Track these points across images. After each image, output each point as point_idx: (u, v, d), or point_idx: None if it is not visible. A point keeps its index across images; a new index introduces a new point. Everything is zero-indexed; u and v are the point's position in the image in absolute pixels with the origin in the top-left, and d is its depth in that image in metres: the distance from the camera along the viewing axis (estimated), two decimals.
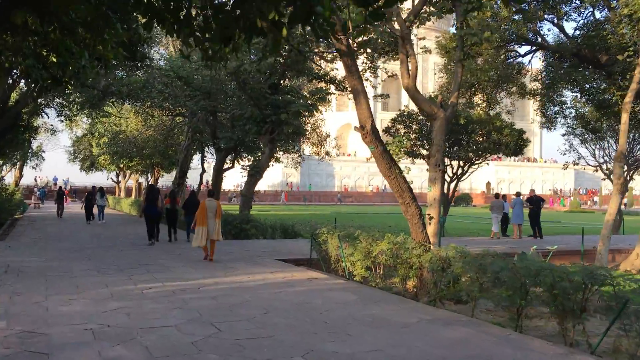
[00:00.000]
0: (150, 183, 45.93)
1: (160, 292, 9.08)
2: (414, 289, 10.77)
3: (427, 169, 25.66)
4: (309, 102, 21.47)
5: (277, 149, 24.95)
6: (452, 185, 25.06)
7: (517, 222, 21.65)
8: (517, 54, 18.04)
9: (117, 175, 59.55)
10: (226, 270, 11.80)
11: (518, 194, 23.09)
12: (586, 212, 61.48)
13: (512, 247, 17.60)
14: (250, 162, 22.47)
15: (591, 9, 18.84)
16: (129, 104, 30.94)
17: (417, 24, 12.25)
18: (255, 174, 21.21)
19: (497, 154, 25.13)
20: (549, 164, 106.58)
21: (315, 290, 9.67)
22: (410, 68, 11.76)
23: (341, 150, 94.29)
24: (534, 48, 17.32)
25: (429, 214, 11.42)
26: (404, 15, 12.17)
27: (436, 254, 9.54)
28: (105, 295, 8.72)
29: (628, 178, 27.58)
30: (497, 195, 23.13)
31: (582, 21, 19.57)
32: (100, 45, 5.85)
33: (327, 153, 34.13)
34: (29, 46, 5.63)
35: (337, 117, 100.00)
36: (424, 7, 12.00)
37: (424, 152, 26.81)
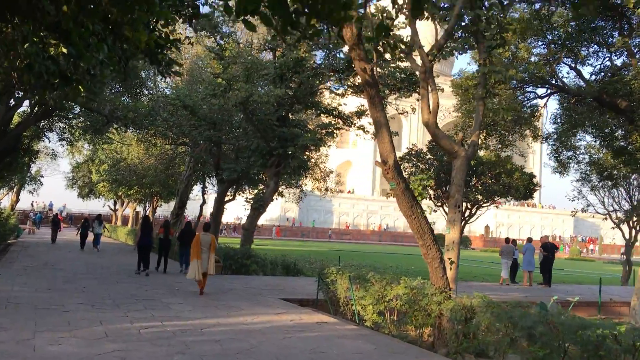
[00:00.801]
0: (146, 214, 45.17)
1: (159, 333, 8.32)
2: (430, 337, 10.04)
3: (433, 210, 24.98)
4: (317, 136, 20.94)
5: (281, 182, 24.37)
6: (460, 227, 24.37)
7: (528, 269, 20.88)
8: (535, 96, 17.60)
9: (115, 203, 58.78)
10: (229, 310, 11.04)
11: (529, 240, 22.38)
12: (587, 260, 60.67)
13: (525, 296, 16.85)
14: (253, 195, 21.82)
15: (608, 55, 18.56)
16: (132, 131, 30.50)
17: (439, 58, 11.77)
18: (258, 207, 20.56)
19: (505, 198, 24.51)
20: (548, 210, 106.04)
21: (327, 337, 8.92)
22: (431, 103, 11.24)
23: (340, 187, 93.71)
24: (551, 90, 16.89)
25: (449, 258, 10.74)
26: (426, 49, 11.71)
27: (459, 303, 8.84)
28: (100, 335, 7.96)
29: (638, 227, 26.98)
30: (507, 240, 22.43)
31: (598, 66, 19.31)
32: (129, 24, 5.04)
33: (328, 189, 33.52)
34: (31, 30, 4.82)
35: (337, 154, 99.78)
36: (447, 42, 11.56)
37: (431, 192, 26.28)
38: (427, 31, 33.03)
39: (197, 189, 38.95)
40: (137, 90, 27.03)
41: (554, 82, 16.21)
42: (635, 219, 26.57)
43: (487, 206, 24.24)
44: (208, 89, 20.81)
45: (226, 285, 15.21)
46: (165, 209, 71.77)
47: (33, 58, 4.69)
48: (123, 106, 19.74)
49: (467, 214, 24.55)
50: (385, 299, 10.42)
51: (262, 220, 79.77)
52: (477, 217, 24.36)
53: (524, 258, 21.00)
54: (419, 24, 12.62)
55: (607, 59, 18.85)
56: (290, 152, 19.64)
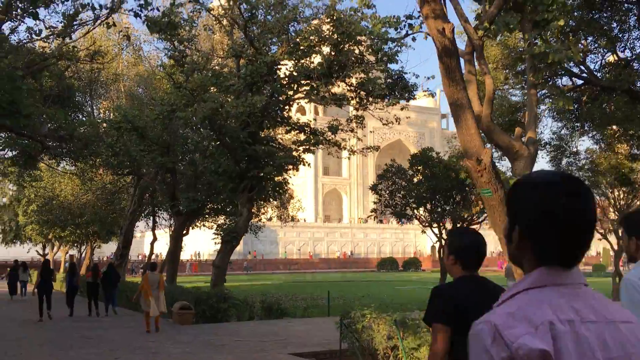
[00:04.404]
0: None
1: None
2: None
3: (422, 231, 22.47)
4: (295, 154, 18.28)
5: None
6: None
7: None
8: (561, 92, 15.64)
9: (44, 248, 53.39)
10: None
11: None
12: None
13: None
14: (225, 226, 18.75)
15: (610, 49, 17.02)
16: (67, 163, 26.80)
17: (488, 36, 9.44)
18: (231, 240, 17.51)
19: None
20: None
21: None
22: (487, 91, 8.83)
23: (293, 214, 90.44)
24: (577, 83, 14.98)
25: None
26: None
27: None
28: None
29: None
30: None
31: (600, 61, 17.81)
32: None
33: (293, 218, 30.79)
34: None
35: None
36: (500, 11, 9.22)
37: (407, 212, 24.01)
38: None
39: (141, 225, 35.29)
40: (72, 115, 23.58)
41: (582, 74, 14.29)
42: (621, 229, 25.20)
43: (478, 223, 22.24)
44: (164, 106, 17.72)
45: (212, 339, 12.13)
46: (103, 250, 66.51)
47: None
48: (68, 124, 16.17)
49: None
50: None
51: (187, 255, 76.07)
52: None
53: None
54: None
55: (610, 53, 17.37)
56: (267, 172, 16.84)
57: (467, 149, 6.74)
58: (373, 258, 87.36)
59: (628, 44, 17.22)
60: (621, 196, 24.59)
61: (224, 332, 13.34)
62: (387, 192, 22.64)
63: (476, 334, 1.25)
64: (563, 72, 14.07)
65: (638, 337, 1.28)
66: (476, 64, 9.72)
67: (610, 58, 18.00)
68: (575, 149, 18.87)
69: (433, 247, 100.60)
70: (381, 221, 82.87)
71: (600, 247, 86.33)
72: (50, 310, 16.41)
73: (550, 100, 15.20)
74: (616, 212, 25.24)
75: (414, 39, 10.25)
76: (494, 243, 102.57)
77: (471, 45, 8.97)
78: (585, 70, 16.37)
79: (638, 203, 26.18)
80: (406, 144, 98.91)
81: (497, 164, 18.33)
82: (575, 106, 17.74)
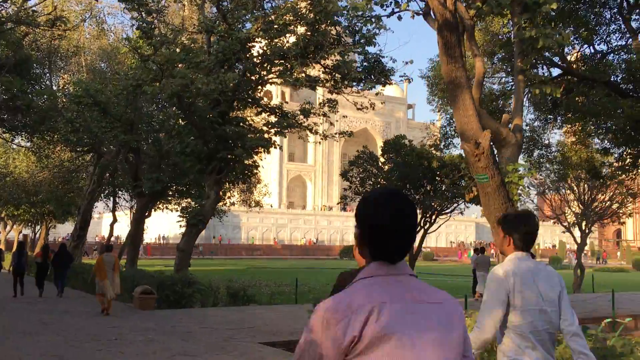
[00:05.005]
0: None
1: None
2: None
3: None
4: (266, 136, 17.69)
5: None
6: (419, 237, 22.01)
7: None
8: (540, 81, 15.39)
9: None
10: None
11: None
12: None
13: None
14: (190, 209, 18.01)
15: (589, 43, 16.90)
16: (23, 138, 25.58)
17: (478, 18, 9.04)
18: (197, 223, 16.83)
19: (465, 203, 22.31)
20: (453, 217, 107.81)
21: None
22: (477, 73, 8.44)
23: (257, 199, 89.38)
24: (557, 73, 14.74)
25: None
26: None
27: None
28: None
29: (587, 231, 25.92)
30: (481, 250, 20.02)
31: (576, 53, 17.75)
32: None
33: (258, 203, 30.17)
34: None
35: None
36: None
37: None
38: None
39: (100, 206, 34.16)
40: (30, 89, 22.45)
41: (562, 64, 14.05)
42: (584, 222, 25.48)
43: (446, 213, 22.01)
44: (129, 80, 16.88)
45: (176, 326, 11.54)
46: (58, 231, 64.51)
47: None
48: (24, 95, 15.12)
49: (422, 223, 22.13)
50: None
51: (151, 238, 74.93)
52: (438, 226, 22.01)
53: None
54: None
55: (587, 45, 17.26)
56: (238, 154, 16.21)
57: (464, 131, 6.31)
58: (336, 246, 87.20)
59: (605, 37, 17.16)
60: (586, 190, 24.78)
61: (188, 319, 12.75)
62: (358, 179, 22.21)
63: (313, 312, 1.59)
64: (543, 61, 13.78)
65: (442, 314, 1.63)
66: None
67: (586, 51, 17.94)
68: (547, 141, 18.84)
69: None
70: (345, 209, 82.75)
71: (556, 240, 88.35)
72: None
73: (530, 88, 14.97)
74: (580, 206, 25.43)
75: (399, 18, 9.72)
76: (454, 234, 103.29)
77: (462, 25, 8.55)
78: (564, 61, 16.21)
79: (601, 197, 26.45)
80: (372, 132, 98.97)
81: None
82: (549, 98, 17.63)
